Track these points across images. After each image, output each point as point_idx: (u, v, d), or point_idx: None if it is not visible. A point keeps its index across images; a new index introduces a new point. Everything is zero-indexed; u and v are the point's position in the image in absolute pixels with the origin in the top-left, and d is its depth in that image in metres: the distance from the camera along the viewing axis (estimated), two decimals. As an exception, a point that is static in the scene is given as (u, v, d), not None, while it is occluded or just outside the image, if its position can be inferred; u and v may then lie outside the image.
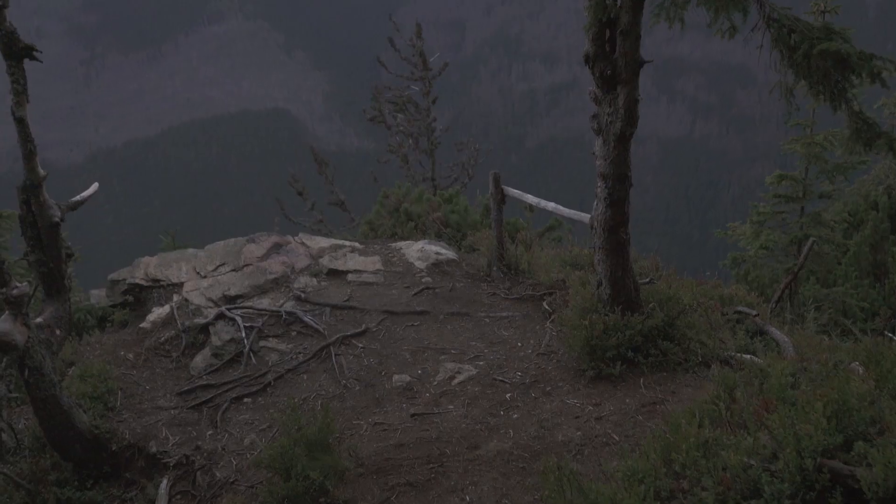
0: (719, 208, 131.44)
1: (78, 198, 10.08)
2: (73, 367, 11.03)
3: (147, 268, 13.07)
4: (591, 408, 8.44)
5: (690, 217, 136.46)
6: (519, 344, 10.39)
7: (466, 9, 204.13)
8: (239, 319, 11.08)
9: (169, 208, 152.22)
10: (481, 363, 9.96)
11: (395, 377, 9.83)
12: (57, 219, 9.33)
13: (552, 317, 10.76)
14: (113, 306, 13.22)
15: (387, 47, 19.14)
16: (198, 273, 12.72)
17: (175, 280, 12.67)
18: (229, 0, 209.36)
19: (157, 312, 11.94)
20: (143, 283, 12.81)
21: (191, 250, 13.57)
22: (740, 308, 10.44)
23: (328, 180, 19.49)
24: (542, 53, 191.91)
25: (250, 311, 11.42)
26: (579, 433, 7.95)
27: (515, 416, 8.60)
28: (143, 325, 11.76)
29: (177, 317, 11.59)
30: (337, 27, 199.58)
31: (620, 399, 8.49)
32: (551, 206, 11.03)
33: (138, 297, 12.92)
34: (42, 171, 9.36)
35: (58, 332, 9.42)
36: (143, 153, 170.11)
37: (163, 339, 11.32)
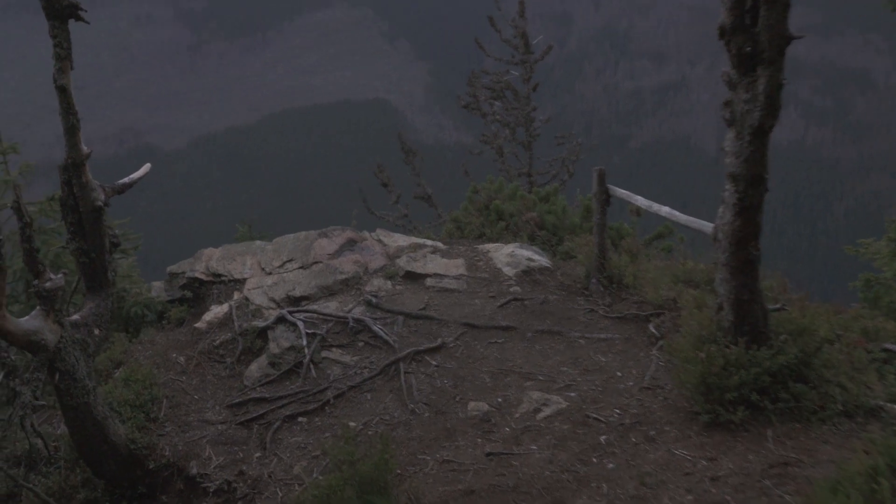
0: (830, 221, 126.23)
1: (126, 180, 9.01)
2: (121, 369, 10.03)
3: (209, 261, 12.07)
4: (704, 463, 6.88)
5: (798, 229, 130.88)
6: (618, 373, 8.88)
7: (573, 2, 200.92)
8: (301, 325, 9.88)
9: (265, 196, 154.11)
10: (573, 394, 8.50)
11: (471, 404, 8.48)
12: (100, 203, 8.26)
13: (659, 343, 9.20)
14: (170, 301, 12.20)
15: (486, 29, 17.73)
16: (262, 269, 11.65)
17: (237, 276, 11.61)
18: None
19: (215, 311, 10.88)
20: (202, 277, 11.82)
21: (258, 243, 12.55)
22: (889, 346, 8.64)
23: (415, 171, 18.11)
24: (651, 51, 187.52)
25: (314, 315, 10.20)
26: (690, 497, 6.42)
27: (611, 465, 7.12)
28: (198, 324, 10.73)
29: (234, 318, 10.50)
30: (442, 17, 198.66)
31: (742, 454, 6.89)
32: (665, 210, 9.43)
33: (197, 293, 11.90)
34: (85, 148, 8.30)
35: (96, 331, 8.35)
36: (242, 140, 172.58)
37: (217, 341, 10.26)
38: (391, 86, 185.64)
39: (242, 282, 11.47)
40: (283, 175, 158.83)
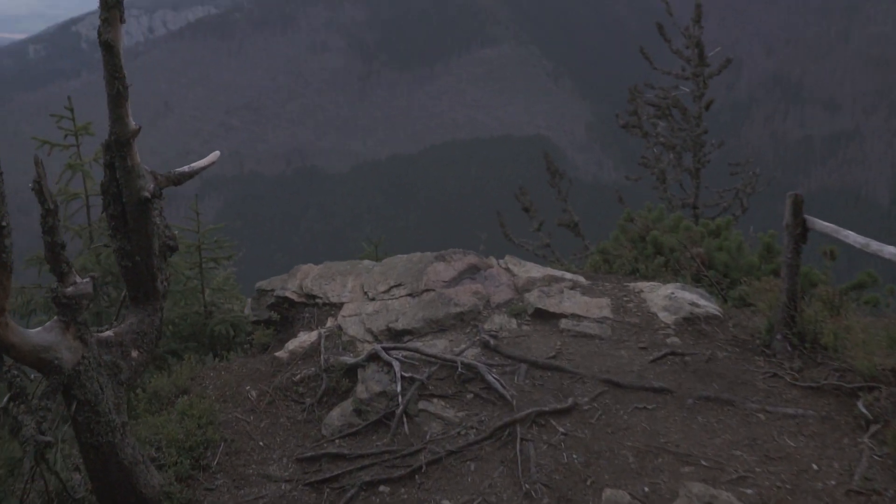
0: None
1: (187, 168, 7.26)
2: (183, 398, 8.41)
3: (304, 279, 10.55)
4: None
5: None
6: (814, 466, 6.44)
7: (744, 46, 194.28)
8: (397, 365, 7.90)
9: (423, 224, 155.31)
10: (749, 491, 6.14)
11: (608, 492, 6.26)
12: (147, 193, 6.57)
13: (873, 428, 6.71)
14: (256, 322, 10.68)
15: (655, 39, 15.46)
16: (365, 293, 9.91)
17: (334, 299, 9.96)
18: (504, 26, 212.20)
19: (301, 339, 9.14)
20: (294, 297, 10.34)
21: (366, 262, 10.98)
22: None
23: (561, 195, 15.88)
24: (824, 99, 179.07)
25: (415, 355, 8.23)
26: None
27: None
28: (279, 353, 9.00)
29: (322, 349, 8.70)
30: (605, 58, 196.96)
31: None
32: (889, 251, 6.89)
33: (286, 315, 10.33)
34: (133, 124, 6.63)
35: (135, 353, 6.66)
36: (404, 168, 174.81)
37: (298, 376, 8.46)
38: (552, 123, 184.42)
39: (339, 306, 9.78)
40: (442, 204, 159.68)
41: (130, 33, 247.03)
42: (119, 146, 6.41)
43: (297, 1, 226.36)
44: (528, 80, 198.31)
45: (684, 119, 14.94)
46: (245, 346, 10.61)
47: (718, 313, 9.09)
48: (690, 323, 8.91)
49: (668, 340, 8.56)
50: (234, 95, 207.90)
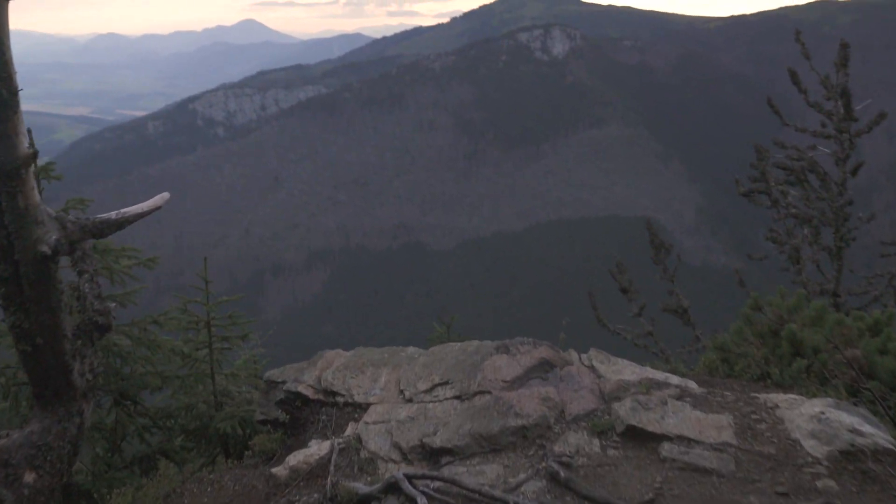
0: None
1: (114, 214, 5.26)
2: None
3: (325, 369, 8.49)
4: None
5: None
6: None
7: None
8: (423, 503, 5.54)
9: (527, 303, 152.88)
10: None
11: None
12: (47, 247, 4.55)
13: None
14: (263, 422, 8.62)
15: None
16: (401, 391, 7.73)
17: (360, 397, 7.81)
18: (612, 107, 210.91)
19: (308, 452, 6.93)
20: (308, 393, 8.21)
21: (410, 350, 8.81)
22: None
23: (667, 274, 13.12)
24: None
25: (453, 489, 5.80)
26: None
27: None
28: (278, 469, 6.77)
29: (332, 468, 6.47)
30: (717, 139, 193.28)
31: None
32: None
33: (298, 416, 8.17)
34: (26, 147, 4.58)
35: (30, 476, 4.62)
36: (508, 246, 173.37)
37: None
38: (660, 204, 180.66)
39: (365, 408, 7.59)
40: (546, 284, 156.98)
41: (244, 111, 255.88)
42: (5, 178, 4.35)
43: (406, 81, 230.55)
44: (635, 160, 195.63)
45: (823, 186, 12.04)
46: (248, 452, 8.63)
47: (893, 446, 6.32)
48: (851, 459, 6.08)
49: (820, 484, 5.87)
50: (341, 171, 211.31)
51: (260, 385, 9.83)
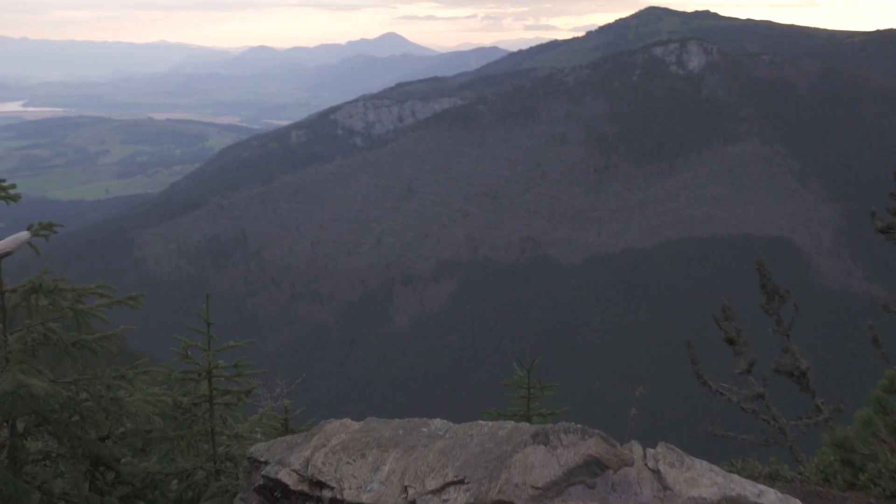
0: None
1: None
2: None
3: (318, 449, 7.46)
4: None
5: None
6: None
7: None
8: None
9: (654, 322, 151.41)
10: None
11: None
12: None
13: None
14: None
15: None
16: (405, 489, 6.70)
17: (350, 494, 6.83)
18: (748, 123, 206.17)
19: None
20: (290, 483, 7.30)
21: (436, 422, 7.71)
22: None
23: (782, 328, 10.15)
24: None
25: None
26: None
27: None
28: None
29: None
30: (860, 157, 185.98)
31: None
32: None
33: None
34: None
35: None
36: (638, 263, 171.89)
37: None
38: (797, 225, 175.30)
39: (354, 509, 6.88)
40: (675, 303, 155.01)
41: (382, 121, 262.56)
42: None
43: (539, 94, 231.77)
44: (771, 178, 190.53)
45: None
46: None
47: None
48: None
49: None
50: (473, 183, 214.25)
51: (243, 463, 8.28)
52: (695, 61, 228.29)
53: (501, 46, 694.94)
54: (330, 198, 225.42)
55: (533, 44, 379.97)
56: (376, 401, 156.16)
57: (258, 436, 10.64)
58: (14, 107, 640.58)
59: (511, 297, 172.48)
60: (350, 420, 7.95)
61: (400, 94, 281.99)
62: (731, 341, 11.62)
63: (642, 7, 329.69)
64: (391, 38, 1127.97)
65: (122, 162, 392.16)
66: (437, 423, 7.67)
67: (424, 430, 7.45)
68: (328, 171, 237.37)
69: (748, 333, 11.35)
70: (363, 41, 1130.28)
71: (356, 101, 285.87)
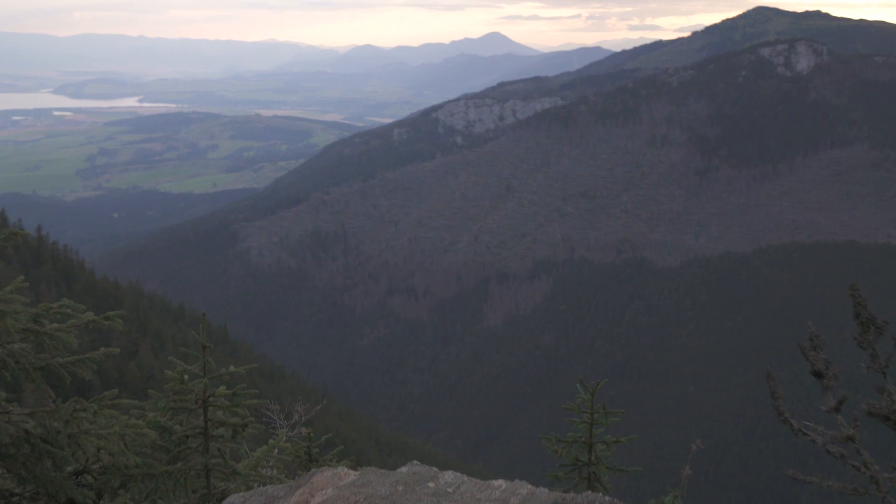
0: None
1: None
2: None
3: None
4: None
5: None
6: None
7: None
8: None
9: (750, 329, 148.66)
10: None
11: None
12: None
13: None
14: None
15: None
16: None
17: None
18: (858, 127, 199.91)
19: None
20: None
21: (447, 475, 6.69)
22: None
23: (876, 362, 8.14)
24: None
25: None
26: None
27: None
28: None
29: None
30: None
31: None
32: None
33: None
34: None
35: None
36: (736, 268, 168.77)
37: None
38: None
39: None
40: (774, 311, 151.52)
41: (483, 120, 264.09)
42: None
43: (642, 94, 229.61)
44: (881, 184, 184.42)
45: None
46: None
47: None
48: None
49: None
50: (571, 183, 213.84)
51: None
52: (803, 62, 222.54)
53: (605, 47, 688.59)
54: (429, 195, 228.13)
55: (637, 44, 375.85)
56: (467, 398, 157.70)
57: (269, 471, 9.72)
58: (130, 102, 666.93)
59: (605, 298, 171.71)
60: (345, 470, 6.93)
61: (501, 93, 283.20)
62: (818, 374, 9.51)
63: (750, 7, 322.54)
64: (494, 38, 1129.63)
65: (230, 157, 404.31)
66: (448, 476, 6.53)
67: (431, 485, 6.36)
68: (428, 169, 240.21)
69: (843, 360, 9.44)
70: (466, 41, 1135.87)
71: (458, 99, 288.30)
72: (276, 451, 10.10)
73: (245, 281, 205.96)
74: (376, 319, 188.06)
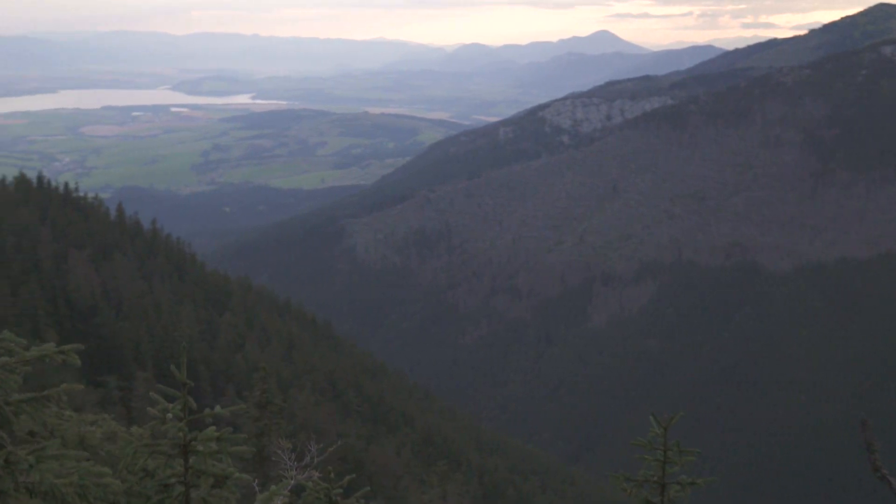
0: None
1: None
2: None
3: None
4: None
5: None
6: None
7: None
8: None
9: (869, 339, 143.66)
10: None
11: None
12: None
13: None
14: None
15: None
16: None
17: None
18: None
19: None
20: None
21: None
22: None
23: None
24: None
25: None
26: None
27: None
28: None
29: None
30: None
31: None
32: None
33: None
34: None
35: None
36: (854, 275, 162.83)
37: None
38: None
39: None
40: (891, 321, 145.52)
41: (590, 120, 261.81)
42: None
43: (755, 94, 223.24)
44: None
45: None
46: None
47: None
48: None
49: None
50: (680, 184, 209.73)
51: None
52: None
53: (717, 45, 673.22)
54: (533, 194, 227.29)
55: (750, 42, 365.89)
56: (569, 400, 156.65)
57: None
58: (243, 100, 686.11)
59: (714, 303, 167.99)
60: None
61: (609, 92, 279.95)
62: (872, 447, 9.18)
63: (872, 4, 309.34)
64: (603, 36, 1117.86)
65: (339, 153, 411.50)
66: None
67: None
68: (533, 168, 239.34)
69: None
70: (574, 39, 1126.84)
71: (565, 98, 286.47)
72: (279, 500, 8.47)
73: (350, 276, 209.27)
74: (479, 318, 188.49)
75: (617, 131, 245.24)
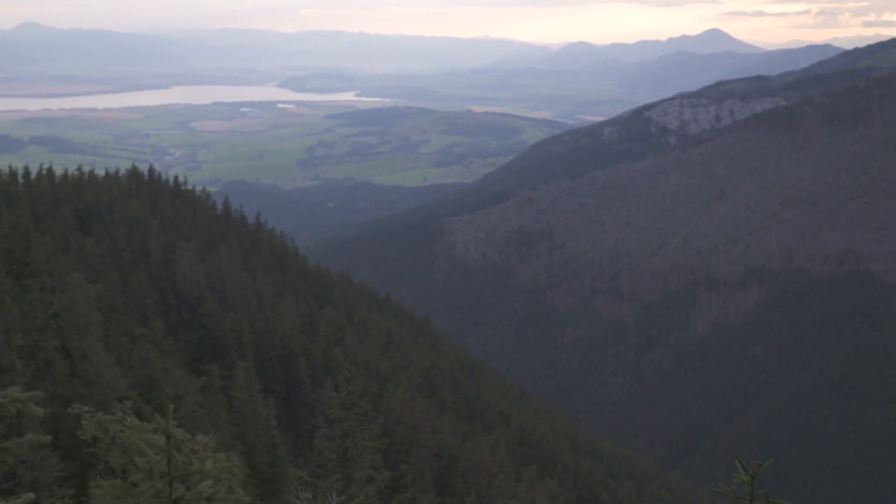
0: None
1: None
2: None
3: None
4: None
5: None
6: None
7: None
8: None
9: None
10: None
11: None
12: None
13: None
14: None
15: None
16: None
17: None
18: None
19: None
20: None
21: None
22: None
23: None
24: None
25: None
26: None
27: None
28: None
29: None
30: None
31: None
32: None
33: None
34: None
35: None
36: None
37: None
38: None
39: None
40: None
41: (698, 120, 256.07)
42: None
43: (874, 95, 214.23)
44: None
45: None
46: None
47: None
48: None
49: None
50: (790, 188, 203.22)
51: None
52: None
53: (835, 44, 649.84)
54: (637, 196, 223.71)
55: (872, 41, 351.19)
56: (669, 404, 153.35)
57: None
58: (348, 97, 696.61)
59: (824, 312, 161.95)
60: None
61: (719, 92, 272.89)
62: None
63: None
64: (714, 35, 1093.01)
65: (441, 151, 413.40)
66: None
67: None
68: (638, 169, 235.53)
69: None
70: (684, 38, 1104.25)
71: (672, 98, 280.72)
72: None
73: (450, 274, 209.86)
74: (579, 319, 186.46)
75: (726, 133, 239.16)
